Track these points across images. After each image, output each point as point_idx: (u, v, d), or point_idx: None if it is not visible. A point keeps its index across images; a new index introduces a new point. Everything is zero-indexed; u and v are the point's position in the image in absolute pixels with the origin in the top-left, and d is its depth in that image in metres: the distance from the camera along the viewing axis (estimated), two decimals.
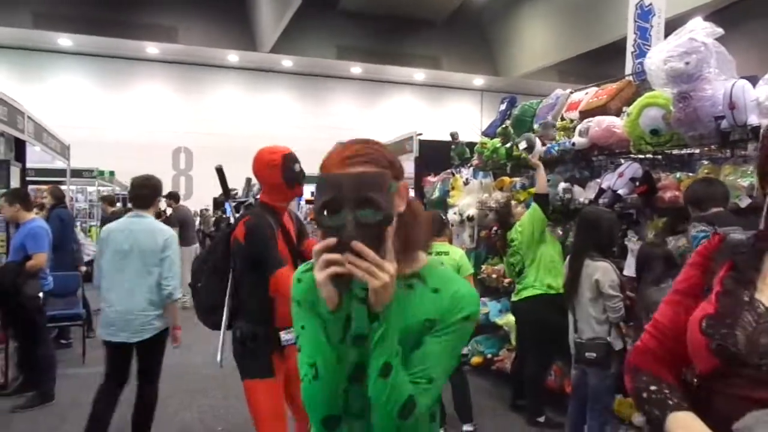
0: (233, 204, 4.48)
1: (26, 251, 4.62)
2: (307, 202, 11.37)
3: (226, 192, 3.04)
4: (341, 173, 1.10)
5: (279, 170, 2.61)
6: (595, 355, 3.25)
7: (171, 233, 3.64)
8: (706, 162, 3.57)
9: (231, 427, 4.19)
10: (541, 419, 4.22)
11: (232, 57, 24.73)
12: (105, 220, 8.94)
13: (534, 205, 4.22)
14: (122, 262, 3.43)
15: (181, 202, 25.04)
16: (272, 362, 2.57)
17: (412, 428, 1.12)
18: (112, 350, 3.61)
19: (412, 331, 1.16)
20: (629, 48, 5.70)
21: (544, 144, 4.66)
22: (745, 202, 2.95)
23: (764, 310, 1.05)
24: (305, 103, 27.15)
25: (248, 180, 3.52)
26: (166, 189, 24.90)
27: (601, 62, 16.20)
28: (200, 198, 24.07)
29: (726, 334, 1.05)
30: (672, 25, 3.74)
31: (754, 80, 3.16)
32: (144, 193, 3.65)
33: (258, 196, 2.83)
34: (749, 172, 3.05)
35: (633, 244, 3.81)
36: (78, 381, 5.28)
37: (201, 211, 21.90)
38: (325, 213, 1.05)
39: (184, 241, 9.07)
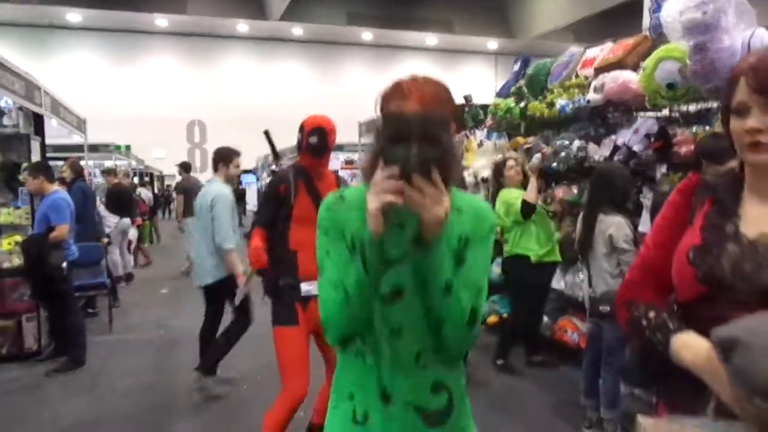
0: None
1: (49, 222, 4.73)
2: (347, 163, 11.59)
3: (275, 154, 3.16)
4: (410, 113, 1.17)
5: (303, 137, 2.79)
6: (609, 308, 3.28)
7: (218, 193, 4.13)
8: None
9: (256, 389, 4.33)
10: (538, 358, 4.66)
11: (242, 26, 24.55)
12: (109, 192, 9.04)
13: (519, 206, 4.30)
14: (195, 220, 4.48)
15: (197, 174, 25.18)
16: (296, 312, 2.69)
17: (476, 333, 1.22)
18: (202, 291, 4.33)
19: (453, 249, 1.24)
20: (647, 3, 5.57)
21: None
22: None
23: (747, 241, 1.13)
24: (317, 71, 26.96)
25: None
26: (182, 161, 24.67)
27: (616, 22, 15.83)
28: None
29: (713, 264, 1.14)
30: None
31: None
32: (214, 158, 4.43)
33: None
34: None
35: (648, 200, 3.81)
36: (106, 347, 5.47)
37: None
38: (389, 144, 1.12)
39: (188, 211, 9.20)
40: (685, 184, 1.30)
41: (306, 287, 2.67)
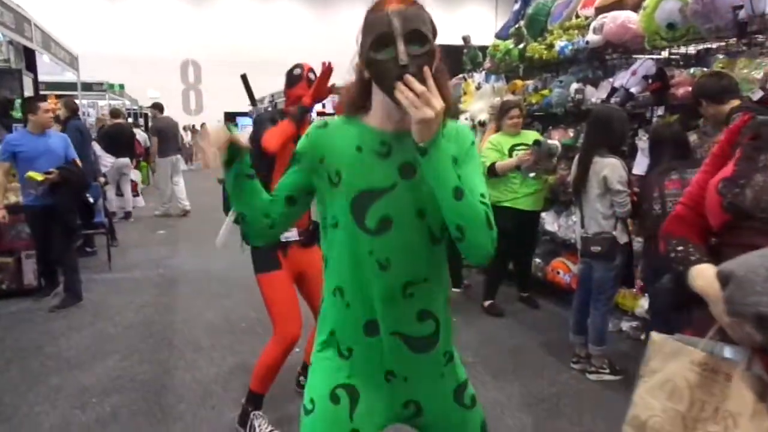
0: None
1: (67, 159, 4.75)
2: (319, 114, 11.26)
3: (252, 99, 3.10)
4: (388, 11, 1.16)
5: (300, 71, 2.80)
6: (600, 248, 3.36)
7: None
8: (721, 57, 3.49)
9: (253, 323, 4.45)
10: (525, 294, 4.91)
11: None
12: (107, 132, 8.93)
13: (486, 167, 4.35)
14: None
15: (192, 116, 24.85)
16: (277, 257, 2.72)
17: (494, 236, 1.23)
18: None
19: None
20: None
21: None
22: (758, 95, 2.93)
23: None
24: (315, 12, 26.23)
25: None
26: (177, 103, 24.78)
27: None
28: (211, 112, 23.92)
29: (737, 193, 1.22)
30: None
31: None
32: None
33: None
34: (764, 64, 3.00)
35: (643, 143, 3.81)
36: (105, 285, 5.58)
37: (200, 126, 21.63)
38: (374, 49, 1.14)
39: (162, 152, 9.16)
40: (735, 124, 1.38)
41: (285, 233, 2.68)
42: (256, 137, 2.68)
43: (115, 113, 9.50)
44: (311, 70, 2.82)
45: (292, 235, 2.73)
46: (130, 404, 3.19)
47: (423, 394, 1.40)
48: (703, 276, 1.23)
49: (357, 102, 1.31)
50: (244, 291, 5.27)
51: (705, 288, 1.21)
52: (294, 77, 2.81)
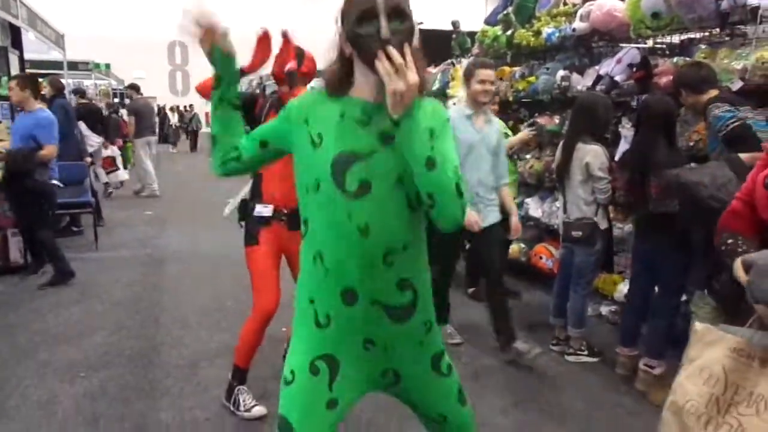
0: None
1: (36, 140, 4.69)
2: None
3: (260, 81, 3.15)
4: None
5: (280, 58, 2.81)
6: (581, 233, 3.43)
7: None
8: (703, 47, 3.57)
9: (240, 302, 4.48)
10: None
11: None
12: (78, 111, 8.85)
13: None
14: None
15: (179, 98, 24.49)
16: (258, 232, 2.77)
17: (464, 204, 1.29)
18: None
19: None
20: None
21: None
22: (737, 86, 3.01)
23: None
24: None
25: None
26: (163, 84, 24.48)
27: None
28: (198, 94, 23.69)
29: None
30: None
31: None
32: None
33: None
34: (744, 55, 3.07)
35: (626, 130, 3.89)
36: (93, 264, 5.59)
37: (184, 107, 21.41)
38: (357, 24, 1.23)
39: (138, 133, 9.14)
40: None
41: (259, 208, 2.75)
42: (249, 96, 2.80)
43: (80, 93, 9.40)
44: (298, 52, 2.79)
45: (266, 211, 2.76)
46: (118, 378, 3.24)
47: (402, 363, 1.44)
48: (741, 265, 1.30)
49: (340, 80, 1.37)
50: (231, 270, 5.30)
51: (741, 277, 1.28)
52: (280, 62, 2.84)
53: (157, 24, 24.05)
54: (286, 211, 2.75)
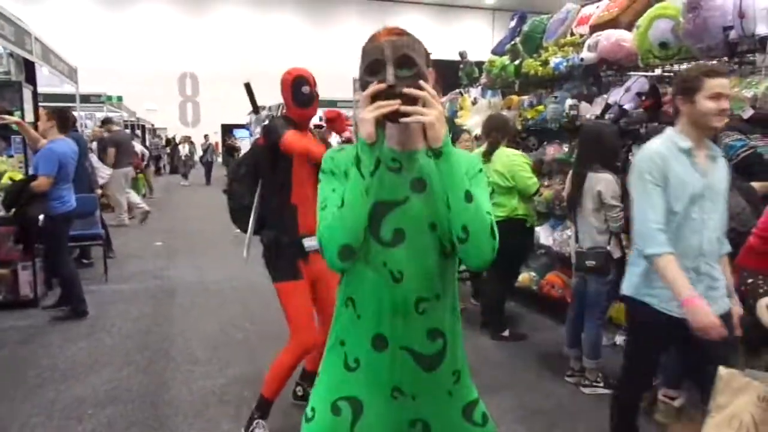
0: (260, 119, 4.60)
1: (37, 171, 4.73)
2: (316, 126, 11.31)
3: (255, 106, 3.13)
4: (382, 41, 1.26)
5: (288, 90, 2.75)
6: (594, 262, 3.39)
7: None
8: None
9: (249, 335, 4.46)
10: (505, 333, 4.41)
11: None
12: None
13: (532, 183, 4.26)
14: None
15: (189, 128, 24.76)
16: (298, 266, 2.75)
17: (495, 246, 1.28)
18: None
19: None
20: None
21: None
22: (748, 114, 2.99)
23: None
24: (311, 24, 26.45)
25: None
26: (174, 115, 24.82)
27: None
28: (208, 124, 24.02)
29: None
30: None
31: None
32: None
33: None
34: (754, 83, 3.07)
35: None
36: (102, 296, 5.58)
37: (205, 137, 21.26)
38: (367, 74, 1.26)
39: (117, 163, 9.26)
40: None
41: (309, 243, 2.72)
42: (272, 140, 2.70)
43: (108, 122, 9.63)
44: (298, 78, 2.76)
45: (314, 244, 2.65)
46: (126, 416, 3.19)
47: (430, 413, 1.41)
48: (764, 307, 1.25)
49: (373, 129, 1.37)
50: (240, 303, 5.28)
51: (764, 319, 1.23)
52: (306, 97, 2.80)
53: (168, 57, 24.58)
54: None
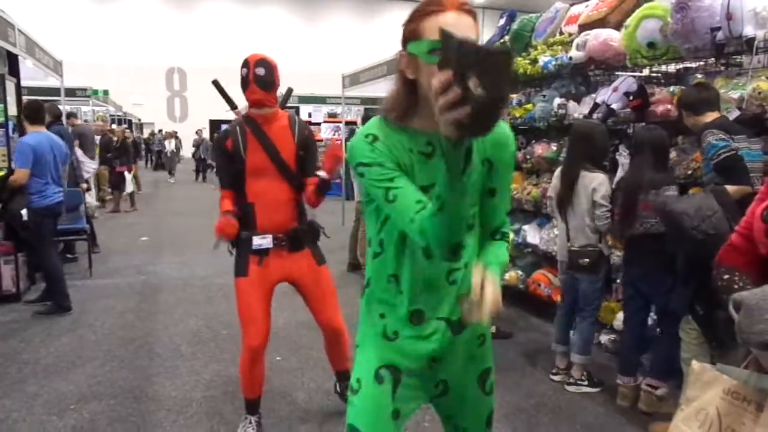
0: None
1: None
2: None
3: (230, 103, 3.06)
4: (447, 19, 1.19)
5: (246, 70, 2.62)
6: (587, 260, 3.41)
7: None
8: (699, 76, 3.59)
9: (235, 331, 4.41)
10: (491, 331, 4.39)
11: None
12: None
13: None
14: None
15: (177, 123, 24.56)
16: (248, 263, 2.70)
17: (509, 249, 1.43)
18: None
19: (478, 172, 1.36)
20: None
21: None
22: (734, 114, 3.01)
23: None
24: (300, 19, 26.34)
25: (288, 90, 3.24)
26: (161, 110, 24.64)
27: None
28: (196, 119, 23.84)
29: None
30: None
31: None
32: None
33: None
34: (741, 84, 3.09)
35: (624, 158, 3.89)
36: (86, 291, 5.52)
37: (197, 133, 20.93)
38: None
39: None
40: None
41: (257, 241, 2.67)
42: (218, 148, 2.73)
43: (72, 116, 9.44)
44: (258, 63, 2.61)
45: (265, 242, 2.68)
46: (109, 411, 3.16)
47: (453, 375, 1.50)
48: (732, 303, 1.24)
49: (405, 107, 1.31)
50: (226, 298, 5.24)
51: (733, 316, 1.22)
52: (242, 79, 2.65)
53: (156, 51, 24.36)
54: (283, 236, 2.71)
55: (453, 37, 0.94)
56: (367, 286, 1.49)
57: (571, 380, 3.56)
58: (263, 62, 2.62)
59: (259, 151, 2.65)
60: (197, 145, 19.38)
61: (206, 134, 21.83)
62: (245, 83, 2.62)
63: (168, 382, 3.53)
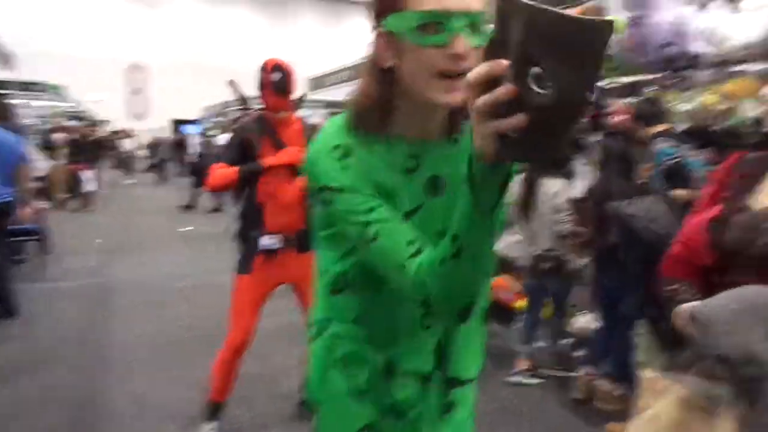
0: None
1: None
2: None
3: (244, 102, 3.07)
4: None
5: (262, 74, 2.69)
6: (552, 264, 3.54)
7: None
8: (653, 89, 3.73)
9: (192, 335, 4.35)
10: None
11: None
12: None
13: None
14: None
15: (138, 121, 23.91)
16: (252, 260, 2.70)
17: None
18: None
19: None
20: None
21: None
22: (682, 127, 3.15)
23: (755, 213, 1.27)
24: (269, 18, 26.12)
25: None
26: (120, 107, 23.96)
27: None
28: (157, 118, 23.35)
29: (723, 232, 1.28)
30: None
31: (704, 9, 3.28)
32: None
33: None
34: (689, 98, 3.22)
35: (581, 166, 4.00)
36: (38, 294, 5.36)
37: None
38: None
39: None
40: (727, 162, 1.43)
41: (266, 241, 2.68)
42: (236, 139, 2.72)
43: None
44: (275, 68, 2.68)
45: (274, 242, 2.69)
46: (60, 420, 3.07)
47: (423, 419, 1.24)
48: (682, 315, 1.29)
49: (382, 110, 1.00)
50: (184, 302, 5.16)
51: (683, 327, 1.27)
52: (259, 83, 2.71)
53: (116, 46, 23.76)
54: (294, 236, 2.71)
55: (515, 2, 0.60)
56: (322, 329, 1.20)
57: (529, 373, 3.69)
58: (279, 67, 2.69)
59: (272, 152, 2.68)
60: (154, 145, 18.85)
61: (168, 133, 21.40)
62: (261, 87, 2.69)
63: (122, 389, 3.46)
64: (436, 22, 0.89)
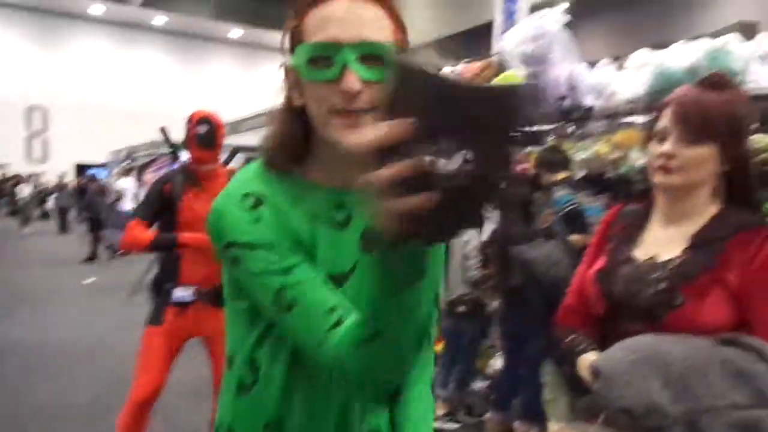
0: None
1: None
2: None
3: (173, 149, 3.00)
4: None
5: (188, 126, 2.67)
6: (465, 308, 3.62)
7: None
8: (551, 138, 3.96)
9: (93, 404, 4.03)
10: None
11: (97, 7, 22.74)
12: None
13: None
14: None
15: (37, 167, 22.65)
16: (163, 313, 2.61)
17: None
18: None
19: None
20: (496, 29, 6.04)
21: None
22: (579, 174, 3.36)
23: (638, 264, 1.31)
24: (180, 64, 25.73)
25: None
26: (18, 152, 22.68)
27: (482, 41, 16.84)
28: (59, 162, 22.10)
29: (610, 283, 1.31)
30: (540, 9, 4.04)
31: (594, 66, 3.56)
32: None
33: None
34: (585, 147, 3.45)
35: (488, 213, 4.15)
36: None
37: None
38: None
39: None
40: (609, 214, 1.48)
41: (179, 293, 2.60)
42: (155, 190, 2.66)
43: None
44: (201, 121, 2.65)
45: (186, 295, 2.60)
46: None
47: None
48: (585, 366, 1.30)
49: (295, 149, 0.89)
50: (87, 365, 4.78)
51: (586, 378, 1.28)
52: (186, 133, 2.69)
53: (13, 87, 22.47)
54: (210, 290, 2.60)
55: (412, 68, 0.53)
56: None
57: (450, 417, 3.69)
58: (205, 120, 2.66)
59: (194, 202, 2.62)
60: (55, 191, 17.65)
61: (71, 178, 20.22)
62: (187, 139, 2.65)
63: None
64: (323, 56, 0.80)
